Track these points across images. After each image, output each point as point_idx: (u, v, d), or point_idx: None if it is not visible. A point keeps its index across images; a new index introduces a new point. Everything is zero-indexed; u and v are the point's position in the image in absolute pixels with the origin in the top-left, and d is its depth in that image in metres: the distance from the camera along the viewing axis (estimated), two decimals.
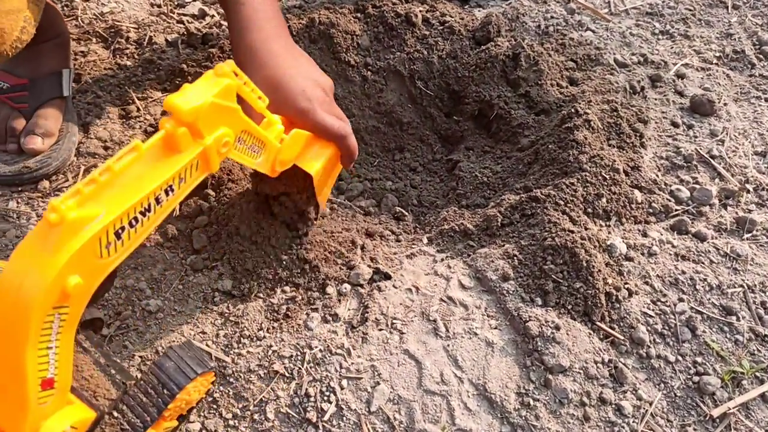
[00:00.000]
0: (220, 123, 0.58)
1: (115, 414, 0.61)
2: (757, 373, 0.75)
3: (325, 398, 0.71)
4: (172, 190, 0.56)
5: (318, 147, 0.75)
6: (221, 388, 0.72)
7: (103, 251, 0.51)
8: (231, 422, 0.70)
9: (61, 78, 0.97)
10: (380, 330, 0.77)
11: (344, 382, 0.72)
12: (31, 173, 0.90)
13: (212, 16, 1.24)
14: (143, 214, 0.54)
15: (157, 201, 0.55)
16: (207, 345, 0.75)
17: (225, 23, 1.22)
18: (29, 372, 0.52)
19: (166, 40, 1.16)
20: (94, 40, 1.15)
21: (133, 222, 0.53)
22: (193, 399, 0.67)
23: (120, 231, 0.52)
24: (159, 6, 1.24)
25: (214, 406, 0.71)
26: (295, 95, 0.70)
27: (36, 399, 0.53)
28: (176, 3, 1.26)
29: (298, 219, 0.82)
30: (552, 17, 1.27)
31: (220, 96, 0.57)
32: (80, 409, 0.60)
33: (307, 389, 0.71)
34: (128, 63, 1.11)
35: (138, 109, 1.03)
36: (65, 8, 1.20)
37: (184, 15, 1.24)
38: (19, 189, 0.90)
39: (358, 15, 1.17)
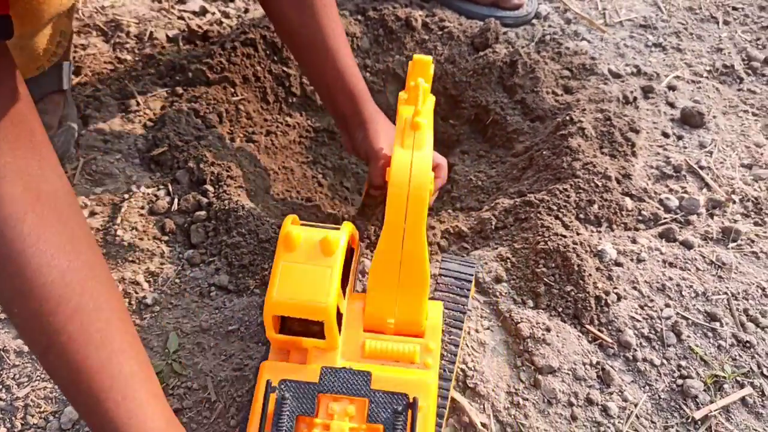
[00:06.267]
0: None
1: None
2: (738, 378, 0.78)
3: None
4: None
5: None
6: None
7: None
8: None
9: (61, 71, 0.97)
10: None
11: None
12: None
13: (213, 14, 1.25)
14: None
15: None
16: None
17: (226, 20, 1.22)
18: (426, 253, 0.61)
19: (167, 35, 1.17)
20: (94, 33, 1.15)
21: None
22: (473, 294, 0.76)
23: None
24: (160, 1, 1.25)
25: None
26: None
27: (429, 280, 0.62)
28: None
29: None
30: (549, 26, 1.29)
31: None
32: (432, 302, 0.67)
33: None
34: (128, 57, 1.12)
35: (138, 104, 1.03)
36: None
37: (185, 11, 1.25)
38: None
39: (359, 17, 1.19)
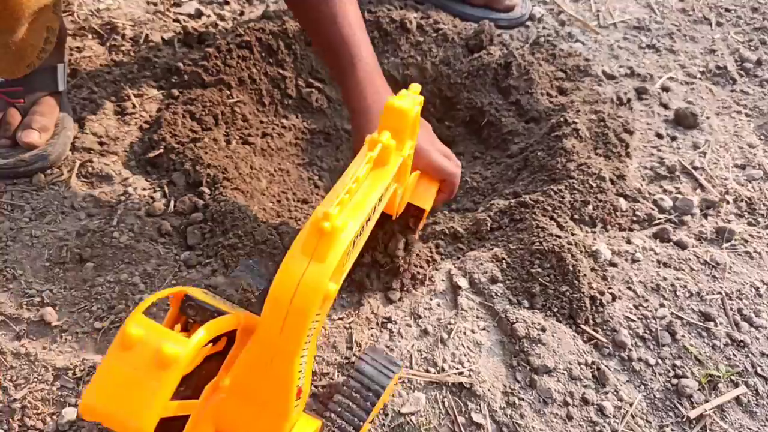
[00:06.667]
0: (411, 137, 0.63)
1: (326, 421, 0.63)
2: (733, 377, 0.78)
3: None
4: (380, 201, 0.58)
5: (425, 184, 0.81)
6: None
7: (344, 258, 0.52)
8: None
9: (56, 73, 0.97)
10: (371, 329, 0.78)
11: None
12: (27, 167, 0.90)
13: (208, 16, 1.25)
14: (366, 222, 0.55)
15: (374, 211, 0.57)
16: None
17: (221, 23, 1.23)
18: (293, 381, 0.52)
19: (162, 38, 1.17)
20: (89, 36, 1.15)
21: (361, 231, 0.54)
22: (385, 400, 0.68)
23: (355, 239, 0.53)
24: (155, 4, 1.25)
25: None
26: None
27: (293, 409, 0.54)
28: (172, 2, 1.27)
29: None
30: (543, 28, 1.30)
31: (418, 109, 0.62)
32: (310, 418, 0.61)
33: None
34: (124, 60, 1.12)
35: (133, 106, 1.03)
36: (62, 3, 1.20)
37: (181, 14, 1.25)
38: (14, 182, 0.91)
39: None
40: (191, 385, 0.53)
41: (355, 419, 0.63)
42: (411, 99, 0.61)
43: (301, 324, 0.48)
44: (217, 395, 0.55)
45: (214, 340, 0.54)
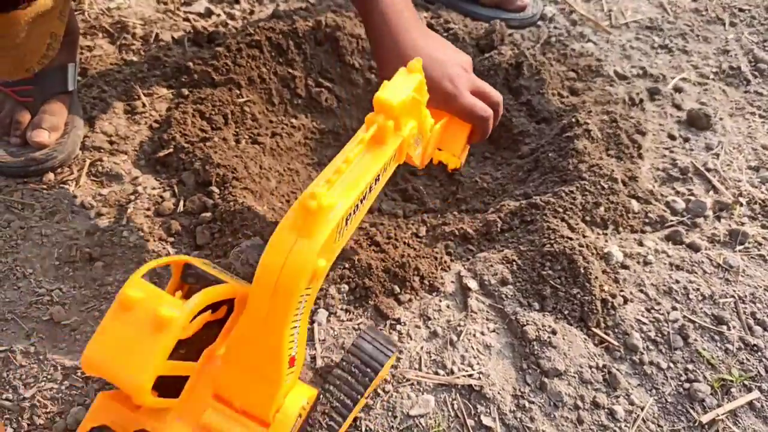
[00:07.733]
0: (411, 116, 0.64)
1: (324, 393, 0.66)
2: (746, 382, 0.77)
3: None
4: (378, 180, 0.61)
5: (455, 127, 0.80)
6: None
7: (337, 236, 0.54)
8: None
9: (66, 72, 0.97)
10: (380, 330, 0.78)
11: None
12: (37, 165, 0.90)
13: (218, 15, 1.25)
14: (361, 201, 0.57)
15: (370, 189, 0.59)
16: None
17: (231, 22, 1.23)
18: (284, 350, 0.54)
19: (173, 37, 1.17)
20: (100, 35, 1.16)
21: (355, 209, 0.56)
22: (383, 376, 0.72)
23: (348, 217, 0.55)
24: (165, 3, 1.25)
25: None
26: (439, 81, 0.76)
27: (285, 377, 0.56)
28: (182, 1, 1.27)
29: None
30: (555, 28, 1.29)
31: (416, 91, 0.63)
32: (305, 387, 0.63)
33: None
34: (134, 59, 1.12)
35: (143, 105, 1.04)
36: (72, 2, 1.20)
37: (190, 13, 1.25)
38: (24, 180, 0.91)
39: None
40: (192, 349, 0.56)
41: (354, 393, 0.65)
42: (399, 88, 0.61)
43: (289, 299, 0.50)
44: (214, 361, 0.58)
45: (214, 308, 0.58)
